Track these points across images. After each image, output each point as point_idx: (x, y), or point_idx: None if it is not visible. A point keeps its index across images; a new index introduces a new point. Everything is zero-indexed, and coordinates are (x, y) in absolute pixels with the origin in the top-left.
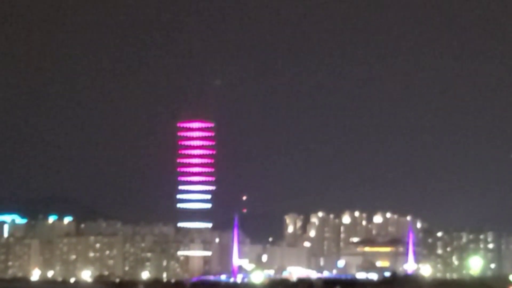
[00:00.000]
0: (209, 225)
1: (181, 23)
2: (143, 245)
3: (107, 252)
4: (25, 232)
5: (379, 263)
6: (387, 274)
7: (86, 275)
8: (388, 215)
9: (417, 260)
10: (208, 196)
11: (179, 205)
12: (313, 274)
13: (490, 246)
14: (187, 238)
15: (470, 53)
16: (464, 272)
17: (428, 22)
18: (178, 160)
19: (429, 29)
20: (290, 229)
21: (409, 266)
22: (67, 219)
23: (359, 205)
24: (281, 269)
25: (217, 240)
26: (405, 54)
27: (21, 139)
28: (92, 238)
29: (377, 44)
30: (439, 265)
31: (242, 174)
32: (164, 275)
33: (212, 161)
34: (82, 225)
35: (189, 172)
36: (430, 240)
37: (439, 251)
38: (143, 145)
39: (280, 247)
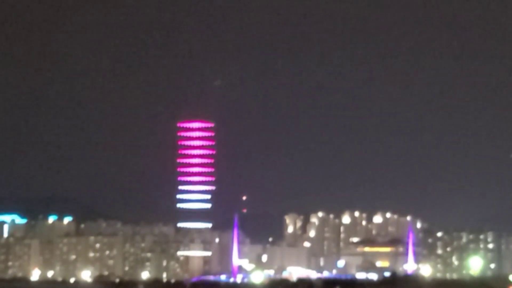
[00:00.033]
0: (209, 225)
1: (181, 23)
2: (143, 245)
3: (107, 252)
4: (25, 232)
5: (379, 263)
6: (387, 274)
7: (86, 275)
8: (388, 215)
9: (417, 260)
10: (208, 196)
11: (179, 205)
12: (313, 274)
13: (490, 246)
14: (187, 238)
15: (470, 53)
16: (464, 272)
17: (428, 22)
18: (178, 160)
19: (429, 29)
20: (290, 229)
21: (409, 266)
22: (67, 219)
23: (359, 205)
24: (281, 269)
25: (217, 240)
26: (405, 54)
27: (21, 139)
28: (92, 238)
29: (377, 44)
30: (439, 265)
31: (242, 174)
32: (164, 275)
33: (212, 161)
34: (82, 225)
35: (189, 172)
36: (430, 240)
37: (439, 251)
38: (143, 145)
39: (280, 247)
